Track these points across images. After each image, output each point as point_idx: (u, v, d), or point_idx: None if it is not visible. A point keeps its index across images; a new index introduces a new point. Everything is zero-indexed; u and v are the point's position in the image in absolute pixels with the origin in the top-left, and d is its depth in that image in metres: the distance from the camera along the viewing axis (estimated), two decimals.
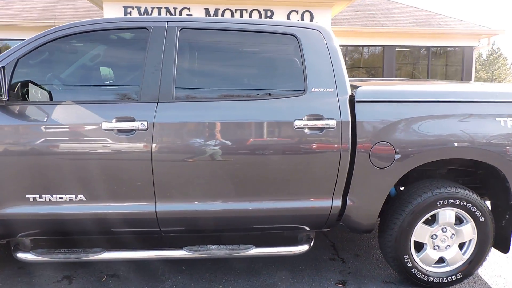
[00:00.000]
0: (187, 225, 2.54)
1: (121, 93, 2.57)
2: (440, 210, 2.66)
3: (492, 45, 40.51)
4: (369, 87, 2.66)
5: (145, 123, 2.35)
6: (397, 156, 2.52)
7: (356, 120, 2.50)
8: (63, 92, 2.58)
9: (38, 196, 2.36)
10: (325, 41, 2.57)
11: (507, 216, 2.75)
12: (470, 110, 2.58)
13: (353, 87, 2.64)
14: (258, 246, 2.60)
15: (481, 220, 2.69)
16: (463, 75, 12.17)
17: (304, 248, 2.65)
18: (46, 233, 2.50)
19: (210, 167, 2.42)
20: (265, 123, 2.43)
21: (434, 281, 2.74)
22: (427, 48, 12.23)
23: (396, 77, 12.08)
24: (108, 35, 2.55)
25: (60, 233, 2.54)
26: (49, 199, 2.37)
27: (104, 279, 2.81)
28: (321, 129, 2.46)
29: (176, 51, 2.46)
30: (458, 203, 2.64)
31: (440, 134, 2.53)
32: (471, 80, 12.26)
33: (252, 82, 2.59)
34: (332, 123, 2.45)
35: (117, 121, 2.34)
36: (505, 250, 2.81)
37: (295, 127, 2.43)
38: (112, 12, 8.91)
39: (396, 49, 12.05)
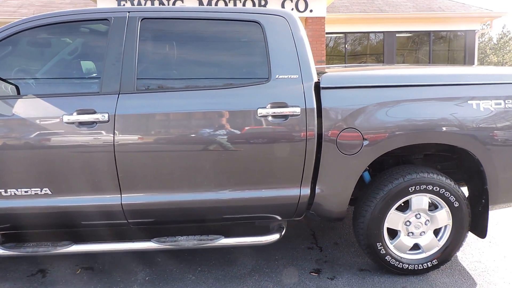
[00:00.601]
0: (155, 216, 2.53)
1: (83, 85, 2.56)
2: (412, 196, 2.61)
3: (503, 28, 39.64)
4: (335, 72, 2.61)
5: (106, 115, 2.34)
6: (365, 143, 2.47)
7: (322, 106, 2.45)
8: (28, 85, 2.57)
9: (3, 190, 2.37)
10: (290, 28, 2.52)
11: (483, 200, 2.69)
12: (440, 94, 2.52)
13: (322, 74, 2.59)
14: (227, 236, 2.58)
15: (456, 205, 2.63)
16: (466, 60, 11.93)
17: (274, 237, 2.63)
18: (14, 227, 2.51)
19: (174, 158, 2.40)
20: (228, 112, 2.40)
21: (409, 268, 2.70)
22: (428, 33, 12.00)
23: (397, 63, 11.89)
24: (71, 28, 2.53)
25: (28, 227, 2.56)
26: (15, 193, 2.38)
27: (78, 271, 2.83)
28: (285, 116, 2.42)
29: (137, 41, 2.43)
30: (430, 188, 2.59)
31: (408, 119, 2.47)
32: (473, 64, 12.02)
33: (215, 71, 2.55)
34: (297, 110, 2.41)
35: (78, 113, 2.33)
36: (482, 235, 2.76)
37: (258, 115, 2.40)
38: (106, 6, 8.90)
39: (397, 35, 11.85)
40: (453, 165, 3.00)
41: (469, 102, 2.52)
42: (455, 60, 12.23)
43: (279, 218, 2.67)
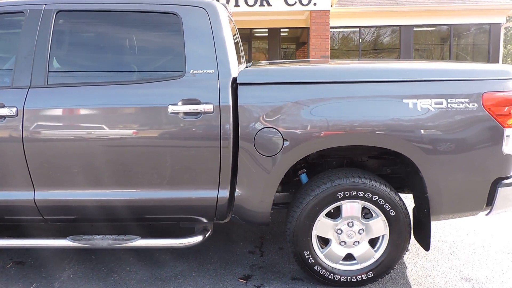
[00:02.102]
0: (71, 214, 2.47)
1: None
2: (342, 202, 2.41)
3: None
4: (254, 67, 2.43)
5: (14, 110, 2.29)
6: (286, 143, 2.29)
7: (238, 104, 2.30)
8: None
9: None
10: (209, 20, 2.37)
11: (425, 210, 2.45)
12: (370, 91, 2.29)
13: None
14: (144, 237, 2.49)
15: (392, 214, 2.41)
16: (490, 55, 11.19)
17: (196, 239, 2.50)
18: None
19: (83, 155, 2.32)
20: (139, 109, 2.29)
21: (342, 279, 2.50)
22: (449, 26, 11.33)
23: (414, 58, 11.34)
24: None
25: None
26: None
27: (9, 265, 2.82)
28: (198, 114, 2.28)
29: (51, 34, 2.36)
30: (362, 195, 2.37)
31: (333, 119, 2.27)
32: (498, 59, 11.27)
33: (130, 66, 2.44)
34: (209, 107, 2.27)
35: None
36: (425, 247, 2.51)
37: (169, 112, 2.27)
38: None
39: (414, 29, 11.27)
40: (401, 170, 2.75)
41: (404, 101, 2.28)
42: (479, 55, 11.50)
43: (204, 220, 2.54)
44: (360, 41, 11.39)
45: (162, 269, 2.77)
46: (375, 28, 11.44)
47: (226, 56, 2.34)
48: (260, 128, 2.29)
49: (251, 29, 11.70)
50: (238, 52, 3.63)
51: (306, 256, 2.47)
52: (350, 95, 2.28)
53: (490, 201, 2.42)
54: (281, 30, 11.60)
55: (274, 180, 2.36)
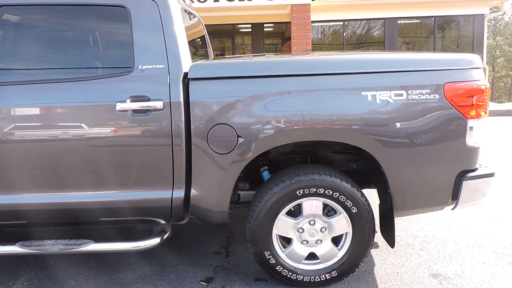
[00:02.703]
0: (18, 218, 2.35)
1: None
2: (303, 200, 2.32)
3: None
4: (205, 62, 2.33)
5: None
6: (240, 140, 2.19)
7: (190, 100, 2.19)
8: None
9: None
10: (159, 13, 2.26)
11: (389, 206, 2.37)
12: (327, 85, 2.19)
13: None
14: (98, 241, 2.38)
15: (354, 211, 2.32)
16: (474, 46, 11.16)
17: (153, 242, 2.39)
18: None
19: (27, 156, 2.21)
20: (85, 107, 2.18)
21: (305, 279, 2.41)
22: (433, 18, 11.28)
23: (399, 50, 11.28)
24: None
25: None
26: None
27: None
28: (147, 111, 2.18)
29: None
30: (322, 192, 2.29)
31: (288, 114, 2.18)
32: (482, 51, 11.24)
33: (76, 62, 2.32)
34: (159, 104, 2.16)
35: None
36: (390, 244, 2.44)
37: (117, 110, 2.16)
38: None
39: (398, 21, 11.21)
40: (365, 165, 2.67)
41: (363, 93, 2.19)
42: (464, 47, 11.47)
43: (162, 221, 2.44)
44: (345, 35, 11.31)
45: (122, 273, 2.67)
46: (359, 21, 11.36)
47: (177, 51, 2.23)
48: (213, 125, 2.19)
49: (234, 24, 11.56)
50: (204, 47, 3.52)
51: (267, 257, 2.38)
52: (306, 89, 2.19)
53: (455, 195, 2.34)
54: (265, 25, 11.47)
55: (231, 178, 2.27)
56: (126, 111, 2.17)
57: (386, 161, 2.24)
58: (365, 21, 11.37)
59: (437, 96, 2.20)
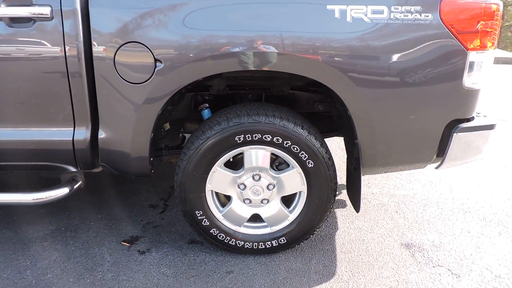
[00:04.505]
0: None
1: None
2: (244, 149, 1.80)
3: None
4: None
5: None
6: (159, 66, 1.62)
7: (89, 8, 1.59)
8: None
9: None
10: None
11: (355, 160, 1.86)
12: None
13: None
14: None
15: (310, 165, 1.81)
16: None
17: (60, 192, 1.90)
18: None
19: None
20: None
21: (246, 246, 1.96)
22: None
23: None
24: None
25: None
26: None
27: None
28: (30, 20, 1.58)
29: None
30: (269, 139, 1.76)
31: (225, 32, 1.59)
32: None
33: None
34: (45, 11, 1.56)
35: None
36: (355, 207, 1.96)
37: None
38: None
39: None
40: (332, 107, 2.12)
41: (328, 7, 1.59)
42: None
43: (70, 168, 1.93)
44: None
45: (31, 228, 2.21)
46: None
47: None
48: (122, 43, 1.60)
49: None
50: None
51: (199, 217, 1.90)
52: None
53: (442, 151, 1.82)
54: None
55: (149, 116, 1.72)
56: (0, 19, 1.58)
57: (353, 102, 1.69)
58: None
59: (430, 16, 1.60)
